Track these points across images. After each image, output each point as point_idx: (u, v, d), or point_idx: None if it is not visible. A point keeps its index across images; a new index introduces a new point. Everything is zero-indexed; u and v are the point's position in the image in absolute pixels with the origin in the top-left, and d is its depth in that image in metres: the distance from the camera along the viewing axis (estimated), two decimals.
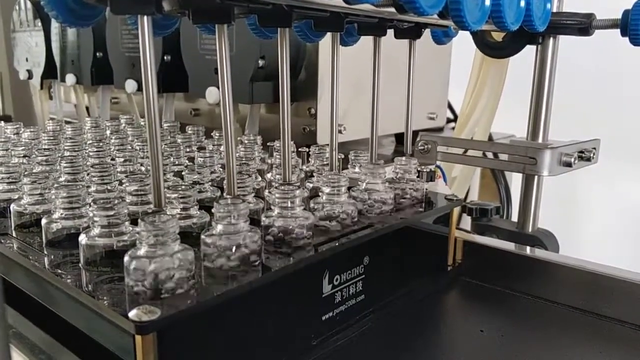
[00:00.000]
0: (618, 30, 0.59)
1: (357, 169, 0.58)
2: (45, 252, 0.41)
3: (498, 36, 0.71)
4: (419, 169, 0.55)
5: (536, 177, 0.71)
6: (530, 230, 0.73)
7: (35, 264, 0.40)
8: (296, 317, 0.42)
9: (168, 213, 0.41)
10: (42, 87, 1.19)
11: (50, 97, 1.21)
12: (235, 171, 0.47)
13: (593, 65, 1.31)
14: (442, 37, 0.68)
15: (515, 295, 0.54)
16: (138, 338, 0.31)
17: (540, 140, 0.69)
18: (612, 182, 1.38)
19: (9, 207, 0.47)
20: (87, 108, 1.20)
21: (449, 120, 1.18)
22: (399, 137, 1.05)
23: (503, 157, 0.67)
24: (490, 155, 0.73)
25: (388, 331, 0.47)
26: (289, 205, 0.43)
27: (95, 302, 0.34)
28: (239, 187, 0.46)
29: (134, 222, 0.38)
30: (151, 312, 0.31)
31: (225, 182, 0.48)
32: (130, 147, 0.62)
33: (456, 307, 0.54)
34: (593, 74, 1.33)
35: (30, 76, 1.19)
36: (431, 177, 0.60)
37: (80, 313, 0.37)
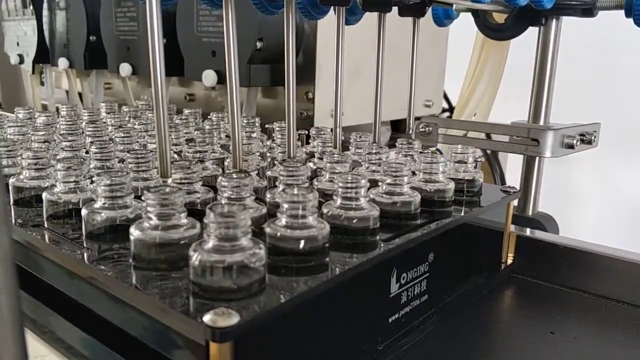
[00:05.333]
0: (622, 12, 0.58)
1: (401, 158, 0.54)
2: (87, 246, 0.37)
3: (500, 18, 0.69)
4: (477, 158, 0.51)
5: (537, 159, 0.71)
6: (530, 213, 0.72)
7: (82, 259, 0.35)
8: (364, 320, 0.38)
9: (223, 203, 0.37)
10: (33, 72, 1.15)
11: (42, 83, 1.18)
12: (241, 145, 0.47)
13: (591, 55, 1.31)
14: (443, 18, 0.68)
15: (577, 294, 0.51)
16: (213, 347, 0.27)
17: (541, 123, 0.69)
18: (606, 170, 1.39)
19: (36, 195, 0.44)
20: (79, 94, 1.16)
21: (444, 110, 1.18)
22: (395, 124, 1.05)
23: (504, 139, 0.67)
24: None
25: (454, 334, 0.43)
26: (354, 195, 0.39)
27: (160, 304, 0.30)
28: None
29: None
30: (228, 315, 0.27)
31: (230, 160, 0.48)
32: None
33: (518, 306, 0.50)
34: (591, 63, 1.34)
35: (21, 61, 1.16)
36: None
37: (130, 315, 0.33)
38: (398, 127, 1.05)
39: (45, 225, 0.41)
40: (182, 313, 0.29)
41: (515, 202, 0.55)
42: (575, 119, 0.69)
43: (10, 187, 0.44)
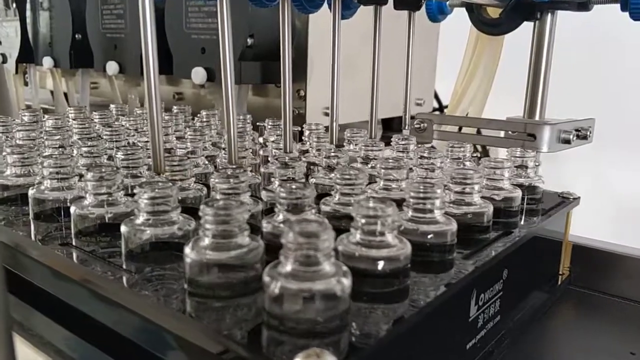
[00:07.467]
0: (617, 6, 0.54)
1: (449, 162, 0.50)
2: (127, 267, 0.32)
3: (494, 13, 0.67)
4: (536, 162, 0.47)
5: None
6: None
7: (125, 284, 0.31)
8: (442, 349, 0.34)
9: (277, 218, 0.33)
10: (17, 72, 1.10)
11: (26, 83, 1.13)
12: (236, 141, 0.45)
13: (584, 52, 1.28)
14: (437, 13, 0.66)
15: None
16: None
17: (537, 118, 0.66)
18: (599, 167, 1.36)
19: (58, 208, 0.39)
20: (64, 94, 1.11)
21: (434, 109, 1.16)
22: (385, 123, 1.02)
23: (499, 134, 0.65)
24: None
25: (529, 357, 0.39)
26: (429, 207, 0.34)
27: (233, 341, 0.25)
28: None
29: None
30: (323, 358, 0.23)
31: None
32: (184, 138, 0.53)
33: (585, 323, 0.46)
34: (583, 59, 1.30)
35: (4, 60, 1.11)
36: None
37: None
38: (389, 125, 1.02)
39: (74, 243, 0.36)
40: (267, 355, 0.24)
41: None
42: (566, 114, 0.66)
43: (29, 200, 0.39)
